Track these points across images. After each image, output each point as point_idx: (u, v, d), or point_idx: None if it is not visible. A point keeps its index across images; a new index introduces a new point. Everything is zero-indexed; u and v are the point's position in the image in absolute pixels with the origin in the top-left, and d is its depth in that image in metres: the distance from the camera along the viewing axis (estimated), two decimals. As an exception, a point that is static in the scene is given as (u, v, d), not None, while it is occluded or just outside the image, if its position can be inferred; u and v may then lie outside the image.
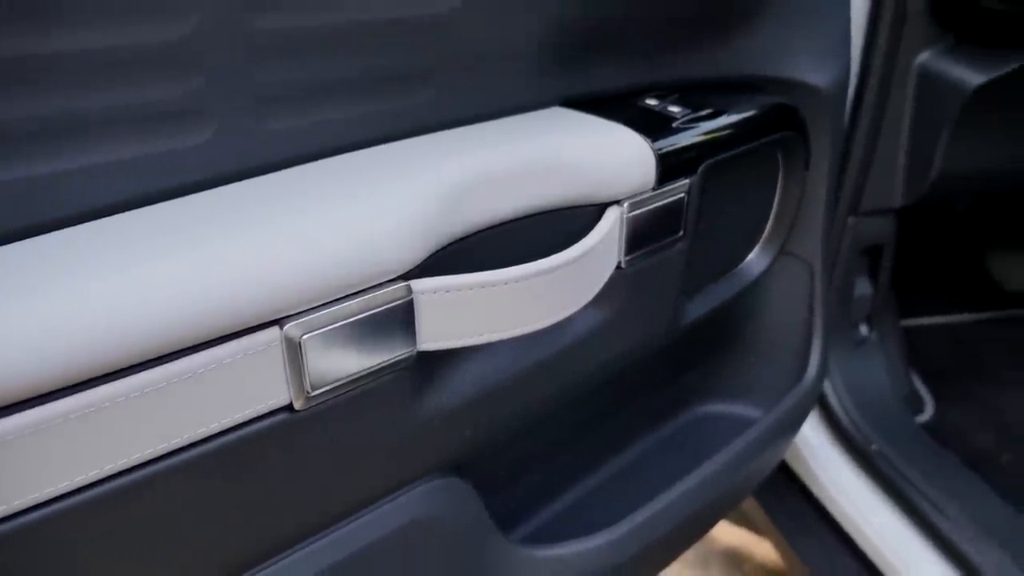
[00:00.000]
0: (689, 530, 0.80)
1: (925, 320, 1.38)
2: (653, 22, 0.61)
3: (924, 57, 0.93)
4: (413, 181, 0.45)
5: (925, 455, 0.98)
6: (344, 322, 0.41)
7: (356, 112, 0.47)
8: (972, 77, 0.89)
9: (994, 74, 0.88)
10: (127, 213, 0.40)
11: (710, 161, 0.62)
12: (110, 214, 0.39)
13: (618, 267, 0.58)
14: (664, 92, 0.66)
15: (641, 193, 0.57)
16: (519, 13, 0.52)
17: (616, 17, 0.58)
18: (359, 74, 0.46)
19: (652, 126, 0.59)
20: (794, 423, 0.86)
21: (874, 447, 0.98)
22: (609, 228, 0.55)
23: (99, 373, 0.34)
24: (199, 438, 0.38)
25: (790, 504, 1.05)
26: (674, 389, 0.85)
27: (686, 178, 0.60)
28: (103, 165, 0.38)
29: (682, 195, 0.60)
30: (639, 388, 0.80)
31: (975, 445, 1.17)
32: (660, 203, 0.59)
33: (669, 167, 0.58)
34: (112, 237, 0.37)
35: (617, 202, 0.56)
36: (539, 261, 0.50)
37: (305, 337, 0.40)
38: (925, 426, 1.19)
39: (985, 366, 1.31)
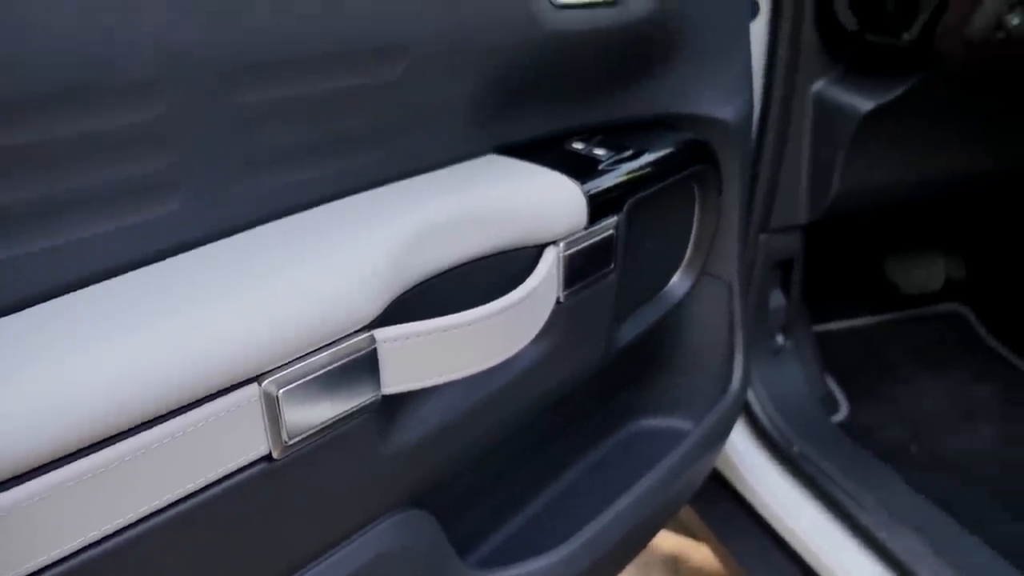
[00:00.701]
0: (633, 541, 0.84)
1: (835, 325, 1.48)
2: (576, 72, 0.66)
3: (819, 86, 1.01)
4: (368, 237, 0.48)
5: (842, 452, 1.06)
6: (316, 374, 0.44)
7: (313, 173, 0.50)
8: (862, 104, 0.98)
9: (882, 100, 0.97)
10: (102, 283, 0.41)
11: (634, 198, 0.67)
12: (83, 287, 0.41)
13: (557, 302, 0.63)
14: (589, 135, 0.70)
15: (575, 233, 0.61)
16: (453, 76, 0.56)
17: (542, 70, 0.62)
18: (316, 138, 0.49)
19: (581, 169, 0.63)
20: (722, 433, 0.92)
21: (796, 449, 1.04)
22: (548, 268, 0.59)
23: (87, 444, 0.35)
24: (185, 494, 0.40)
25: (723, 509, 1.11)
26: (610, 409, 0.90)
27: (614, 215, 0.65)
28: (77, 241, 0.40)
29: (611, 232, 0.65)
30: (578, 411, 0.84)
31: (886, 439, 1.26)
32: (592, 240, 0.63)
33: (598, 207, 0.63)
34: (90, 309, 0.39)
35: (554, 242, 0.60)
36: (489, 304, 0.53)
37: (282, 391, 0.42)
38: (841, 425, 1.28)
39: (891, 365, 1.41)
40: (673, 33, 0.73)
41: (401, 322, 0.51)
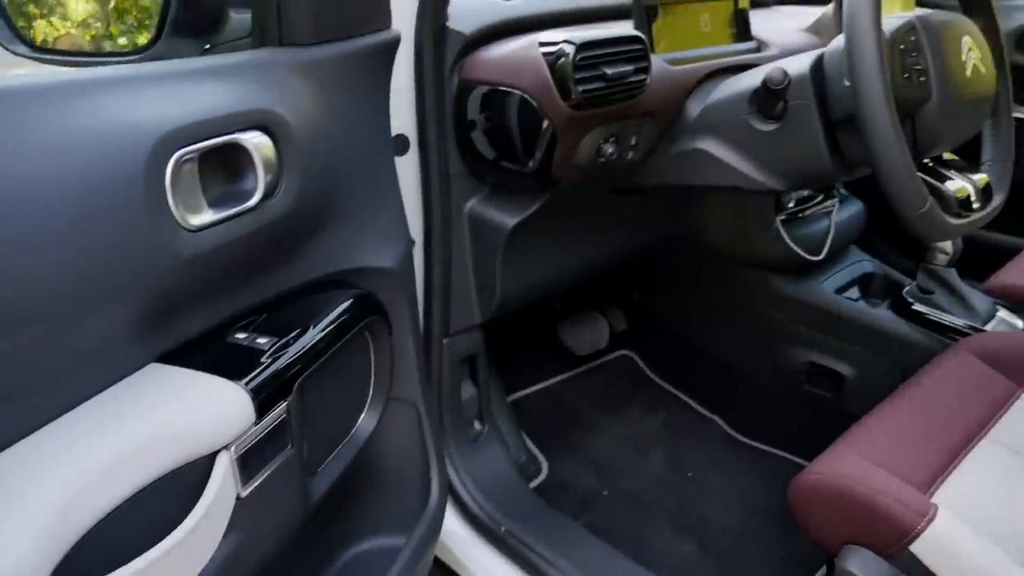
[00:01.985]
0: None
1: (529, 390, 1.64)
2: (231, 270, 0.68)
3: (471, 205, 1.13)
4: (27, 497, 0.48)
5: (542, 521, 1.19)
6: None
7: None
8: (508, 220, 1.11)
9: (523, 215, 1.11)
10: None
11: (304, 376, 0.72)
12: None
13: (238, 498, 0.65)
14: (254, 319, 0.73)
15: (244, 432, 0.64)
16: (98, 313, 0.56)
17: (192, 284, 0.64)
18: None
19: (244, 365, 0.66)
20: (431, 537, 0.99)
21: (503, 529, 1.15)
22: (221, 476, 0.61)
23: None
24: None
25: None
26: (320, 547, 0.93)
27: (284, 400, 0.69)
28: None
29: (284, 415, 0.69)
30: (287, 562, 0.86)
31: (582, 489, 1.43)
32: (265, 432, 0.67)
33: (266, 400, 0.66)
34: None
35: (225, 446, 0.63)
36: (165, 540, 0.55)
37: None
38: (543, 485, 1.42)
39: (577, 415, 1.60)
40: (322, 208, 0.79)
41: (81, 567, 0.50)
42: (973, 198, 0.99)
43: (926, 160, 1.01)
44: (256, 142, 0.67)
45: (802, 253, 1.42)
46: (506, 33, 1.08)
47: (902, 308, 1.38)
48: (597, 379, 1.72)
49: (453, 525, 1.20)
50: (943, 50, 0.92)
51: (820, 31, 1.37)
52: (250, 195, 0.67)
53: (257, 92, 0.70)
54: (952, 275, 1.36)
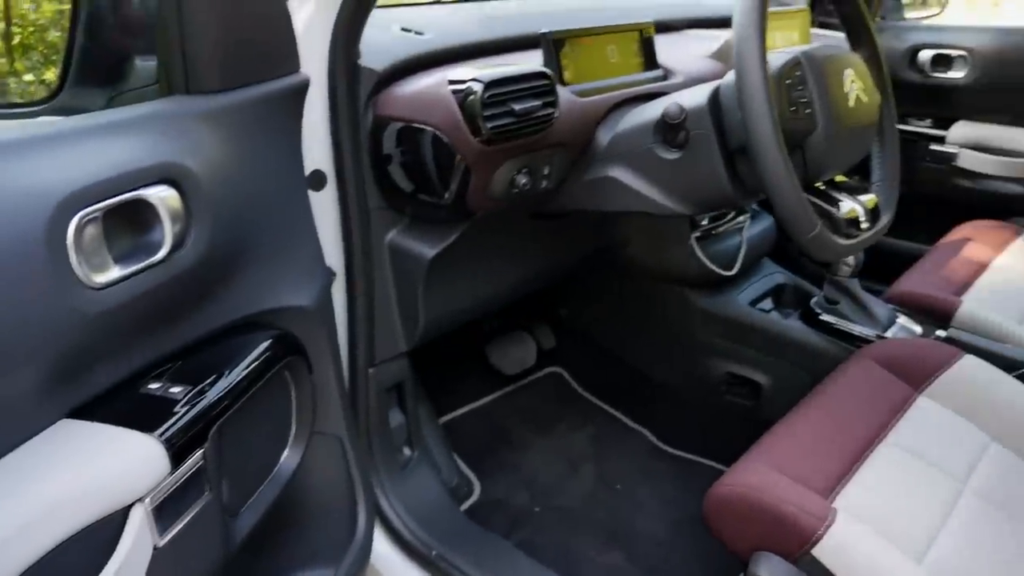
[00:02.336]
0: None
1: (461, 411, 1.67)
2: (142, 322, 0.69)
3: (391, 236, 1.15)
4: None
5: (473, 543, 1.21)
6: None
7: None
8: (428, 250, 1.14)
9: (442, 246, 1.14)
10: None
11: (220, 422, 0.73)
12: None
13: (156, 548, 0.66)
14: (168, 366, 0.74)
15: (159, 483, 0.65)
16: (13, 361, 0.56)
17: (102, 340, 0.65)
18: None
19: (156, 416, 0.67)
20: (360, 568, 1.00)
21: (434, 553, 1.17)
22: (137, 527, 0.62)
23: None
24: None
25: None
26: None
27: (199, 448, 0.70)
28: None
29: (200, 463, 0.70)
30: None
31: (514, 507, 1.46)
32: (181, 480, 0.67)
33: (180, 448, 0.67)
34: None
35: (140, 499, 0.63)
36: None
37: None
38: (475, 506, 1.45)
39: (508, 434, 1.63)
40: (235, 253, 0.80)
41: None
42: (862, 218, 1.06)
43: (819, 184, 1.08)
44: (162, 196, 0.68)
45: (716, 268, 1.48)
46: (419, 68, 1.11)
47: (810, 318, 1.45)
48: (527, 397, 1.75)
49: (385, 551, 1.21)
50: (827, 83, 0.98)
51: (724, 57, 1.44)
52: (158, 248, 0.68)
53: (162, 144, 0.71)
54: (855, 285, 1.44)
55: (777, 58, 0.98)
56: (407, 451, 1.30)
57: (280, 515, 0.97)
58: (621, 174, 1.12)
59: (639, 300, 1.65)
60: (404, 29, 1.22)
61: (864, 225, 1.05)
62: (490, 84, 0.97)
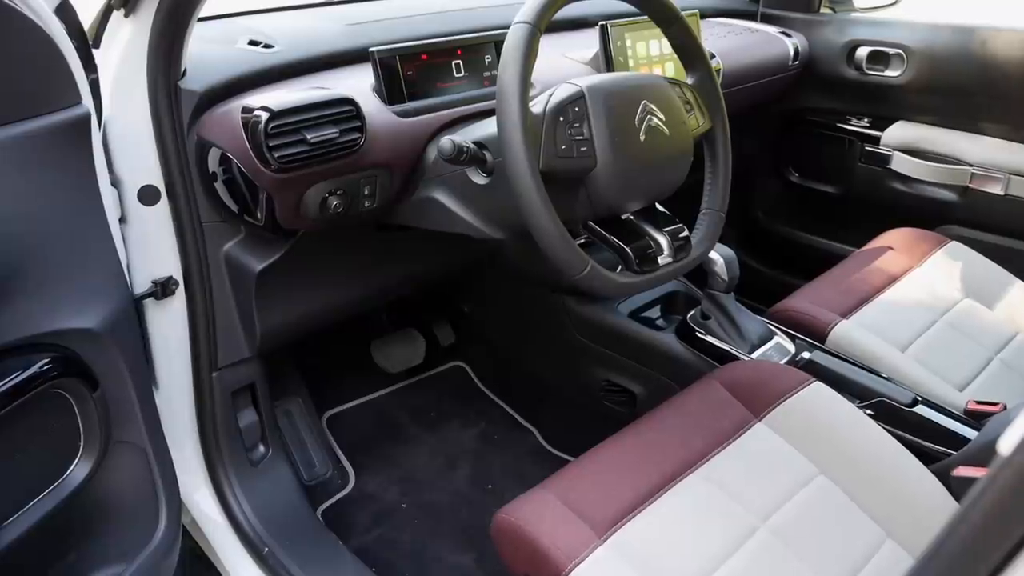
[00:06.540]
0: None
1: (349, 404, 1.71)
2: None
3: (227, 248, 1.19)
4: None
5: (308, 541, 1.27)
6: None
7: None
8: (256, 264, 1.17)
9: (269, 261, 1.18)
10: None
11: None
12: None
13: None
14: None
15: None
16: None
17: None
18: None
19: None
20: (157, 568, 1.06)
21: (266, 550, 1.23)
22: None
23: None
24: None
25: None
26: None
27: None
28: None
29: None
30: None
31: (384, 501, 1.51)
32: None
33: None
34: None
35: None
36: None
37: None
38: (343, 500, 1.50)
39: (396, 429, 1.68)
40: (1, 280, 0.84)
41: None
42: (666, 251, 1.05)
43: (627, 216, 1.07)
44: None
45: None
46: (251, 86, 1.13)
47: (682, 332, 1.44)
48: (425, 391, 1.79)
49: (229, 543, 1.28)
50: (613, 116, 0.96)
51: (598, 66, 1.41)
52: None
53: None
54: (729, 301, 1.42)
55: (560, 92, 0.96)
56: (262, 448, 1.35)
57: (75, 521, 1.03)
58: (442, 196, 1.13)
59: (526, 301, 1.66)
60: (252, 42, 1.24)
61: (664, 260, 1.04)
62: (277, 114, 0.99)
